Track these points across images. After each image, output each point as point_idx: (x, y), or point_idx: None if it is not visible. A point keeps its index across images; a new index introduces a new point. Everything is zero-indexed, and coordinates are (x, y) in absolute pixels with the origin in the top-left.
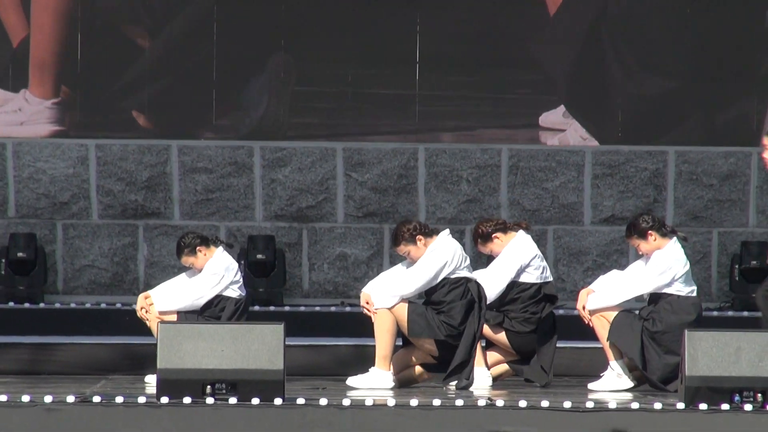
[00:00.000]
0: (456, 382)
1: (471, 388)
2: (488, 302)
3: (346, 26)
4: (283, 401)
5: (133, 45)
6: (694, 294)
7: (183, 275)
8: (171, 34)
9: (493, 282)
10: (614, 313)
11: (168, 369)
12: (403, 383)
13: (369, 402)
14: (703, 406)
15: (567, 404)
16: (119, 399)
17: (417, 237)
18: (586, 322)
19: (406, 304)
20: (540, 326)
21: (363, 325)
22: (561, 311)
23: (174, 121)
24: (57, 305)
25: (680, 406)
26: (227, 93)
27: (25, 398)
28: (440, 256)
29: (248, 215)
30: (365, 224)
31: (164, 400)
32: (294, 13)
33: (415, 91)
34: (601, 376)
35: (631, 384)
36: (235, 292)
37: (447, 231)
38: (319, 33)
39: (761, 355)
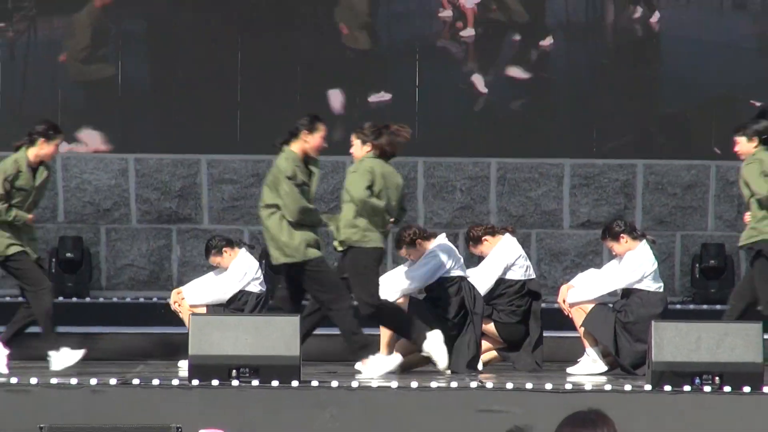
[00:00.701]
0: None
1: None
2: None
3: (354, 60)
4: (299, 383)
5: (169, 71)
6: (661, 290)
7: (211, 273)
8: (200, 62)
9: (482, 279)
10: (591, 306)
11: (198, 355)
12: (406, 367)
13: (374, 384)
14: (667, 388)
15: (548, 386)
16: (155, 381)
17: (417, 240)
18: (566, 314)
19: (408, 299)
20: (526, 320)
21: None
22: (544, 304)
23: (203, 139)
24: (101, 299)
25: (647, 387)
26: (250, 114)
27: (74, 381)
28: (437, 257)
29: None
30: None
31: (195, 382)
32: (308, 46)
33: (415, 112)
34: (578, 362)
35: (604, 368)
36: (256, 287)
37: (443, 235)
38: (332, 64)
39: (718, 343)
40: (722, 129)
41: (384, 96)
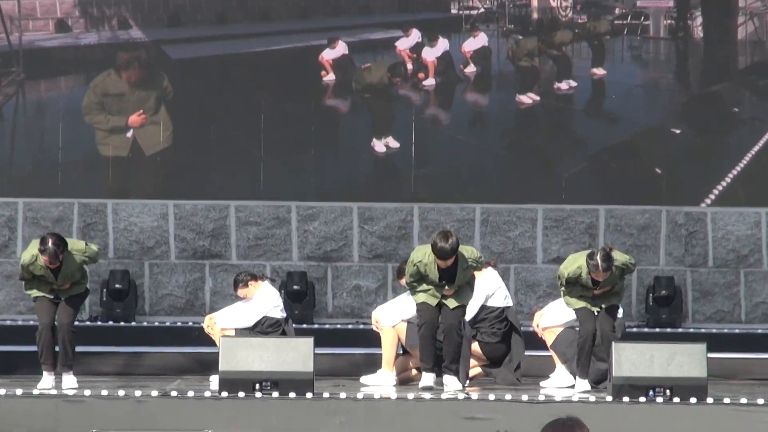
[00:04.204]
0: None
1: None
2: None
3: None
4: (313, 395)
5: (202, 130)
6: (621, 315)
7: (239, 302)
8: (229, 123)
9: (468, 306)
10: (560, 330)
11: (227, 371)
12: (403, 382)
13: (377, 395)
14: (626, 399)
15: (524, 397)
16: (190, 393)
17: None
18: (539, 336)
19: (406, 324)
20: (505, 340)
21: (373, 339)
22: (522, 328)
23: (232, 187)
24: (144, 323)
25: (609, 399)
26: (271, 166)
27: (121, 393)
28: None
29: (287, 256)
30: (374, 263)
31: (224, 394)
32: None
33: (412, 166)
34: (550, 377)
35: (572, 382)
36: (277, 314)
37: None
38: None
39: (669, 361)
40: (670, 176)
41: (392, 143)
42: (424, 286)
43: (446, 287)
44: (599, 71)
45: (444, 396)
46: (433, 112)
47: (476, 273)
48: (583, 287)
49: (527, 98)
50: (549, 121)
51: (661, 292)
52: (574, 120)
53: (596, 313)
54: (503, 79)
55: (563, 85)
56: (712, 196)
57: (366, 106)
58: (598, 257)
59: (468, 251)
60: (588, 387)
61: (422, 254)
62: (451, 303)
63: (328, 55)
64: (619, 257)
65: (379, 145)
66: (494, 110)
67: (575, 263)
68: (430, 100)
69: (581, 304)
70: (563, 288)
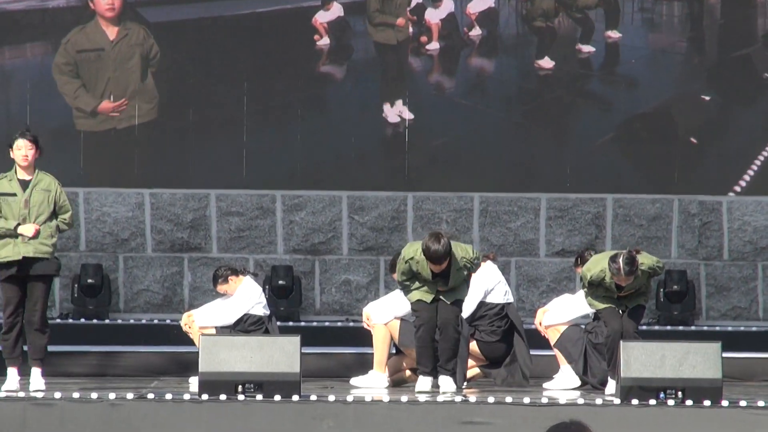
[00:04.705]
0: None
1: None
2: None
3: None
4: (300, 398)
5: (181, 115)
6: None
7: (219, 299)
8: (209, 107)
9: (466, 302)
10: (564, 328)
11: (207, 372)
12: (396, 383)
13: (368, 398)
14: (634, 402)
15: (526, 400)
16: (168, 396)
17: None
18: (543, 335)
19: (399, 321)
20: (505, 339)
21: (363, 337)
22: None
23: (212, 175)
24: (119, 321)
25: (616, 401)
26: (255, 153)
27: (94, 395)
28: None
29: (272, 249)
30: (365, 257)
31: (204, 397)
32: (306, 93)
33: (405, 151)
34: (553, 378)
35: (578, 383)
36: (260, 311)
37: None
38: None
39: (681, 361)
40: (684, 164)
41: (406, 113)
42: (417, 284)
43: (440, 286)
44: (614, 34)
45: (440, 398)
46: (437, 78)
47: None
48: (606, 290)
49: (546, 62)
50: (569, 87)
51: (673, 287)
52: (593, 86)
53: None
54: (512, 42)
55: (584, 48)
56: (745, 180)
57: (379, 65)
58: (621, 260)
59: (464, 250)
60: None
61: (414, 251)
62: (449, 298)
63: (322, 17)
64: (646, 260)
65: (391, 115)
66: (503, 77)
67: (598, 266)
68: (433, 65)
69: (605, 304)
70: (585, 289)
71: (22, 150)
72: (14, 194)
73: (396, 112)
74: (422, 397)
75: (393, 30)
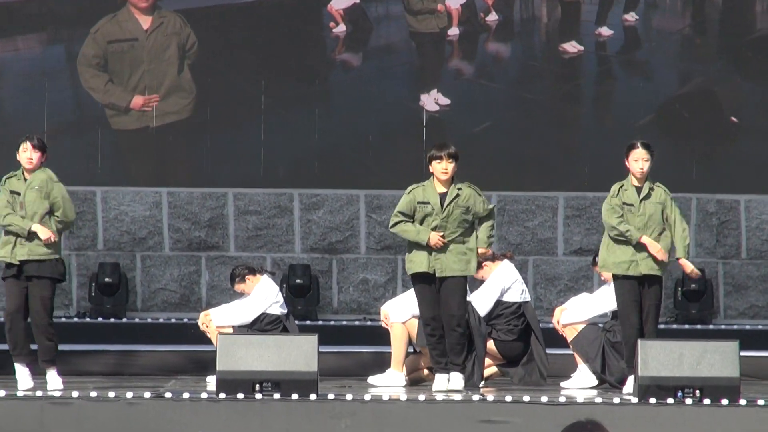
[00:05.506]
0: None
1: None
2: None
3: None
4: (317, 396)
5: (199, 114)
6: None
7: (237, 300)
8: (227, 105)
9: (483, 301)
10: (582, 326)
11: (225, 371)
12: (414, 382)
13: (385, 397)
14: (652, 401)
15: (544, 399)
16: (186, 395)
17: None
18: (560, 334)
19: (417, 320)
20: (522, 338)
21: (381, 336)
22: (541, 325)
23: (230, 174)
24: (136, 320)
25: (634, 400)
26: (272, 152)
27: (111, 394)
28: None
29: (289, 248)
30: (383, 255)
31: (222, 395)
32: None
33: (423, 148)
34: (571, 376)
35: (595, 382)
36: (277, 310)
37: None
38: (345, 107)
39: (699, 360)
40: (700, 163)
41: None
42: (414, 228)
43: (442, 235)
44: (630, 17)
45: (457, 397)
46: (456, 65)
47: (491, 265)
48: (625, 222)
49: (571, 47)
50: (593, 72)
51: (691, 286)
52: (618, 70)
53: (640, 292)
54: (531, 28)
55: (604, 32)
56: None
57: (418, 52)
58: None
59: (480, 196)
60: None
61: (417, 184)
62: (448, 268)
63: (337, 4)
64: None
65: (429, 102)
66: (520, 64)
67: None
68: (453, 51)
69: (620, 260)
70: (606, 234)
71: (27, 152)
72: (19, 193)
73: (433, 99)
74: (440, 396)
75: (434, 17)
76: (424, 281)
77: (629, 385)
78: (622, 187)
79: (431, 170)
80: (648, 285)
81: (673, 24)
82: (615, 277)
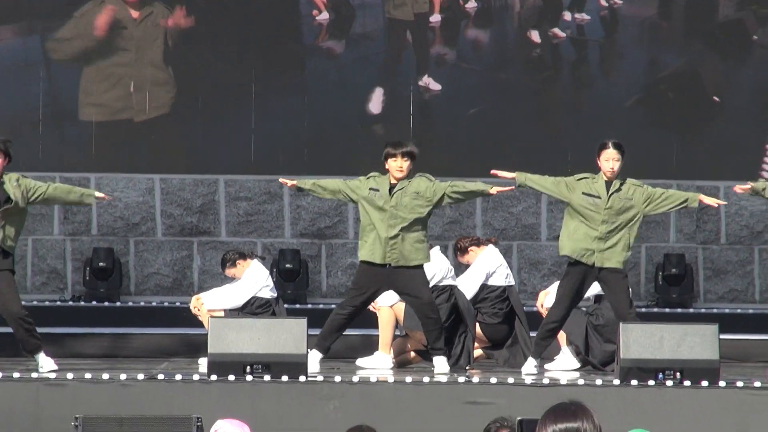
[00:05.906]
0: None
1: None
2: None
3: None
4: (306, 378)
5: (190, 100)
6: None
7: (227, 284)
8: (218, 92)
9: (468, 285)
10: None
11: (216, 353)
12: (400, 365)
13: (373, 379)
14: (634, 382)
15: (528, 380)
16: (178, 377)
17: None
18: (544, 317)
19: (404, 304)
20: (507, 321)
21: (369, 319)
22: (525, 308)
23: (221, 160)
24: (130, 304)
25: (616, 382)
26: (263, 138)
27: (105, 376)
28: (431, 268)
29: (279, 233)
30: None
31: (213, 377)
32: (314, 82)
33: (410, 135)
34: (555, 359)
35: (578, 365)
36: (267, 293)
37: (437, 248)
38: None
39: (679, 342)
40: (681, 150)
41: (433, 84)
42: (369, 217)
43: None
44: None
45: (443, 379)
46: (438, 51)
47: (477, 250)
48: (589, 209)
49: (537, 37)
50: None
51: (671, 270)
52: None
53: (592, 267)
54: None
55: (579, 17)
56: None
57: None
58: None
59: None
60: (534, 369)
61: (378, 174)
62: (405, 257)
63: None
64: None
65: (418, 88)
66: (499, 51)
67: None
68: (435, 38)
69: (578, 246)
70: (567, 217)
71: None
72: None
73: (425, 83)
74: (426, 378)
75: (409, 5)
76: (369, 270)
77: (528, 366)
78: (591, 179)
79: (387, 167)
80: (612, 282)
81: (643, 10)
82: (568, 262)
